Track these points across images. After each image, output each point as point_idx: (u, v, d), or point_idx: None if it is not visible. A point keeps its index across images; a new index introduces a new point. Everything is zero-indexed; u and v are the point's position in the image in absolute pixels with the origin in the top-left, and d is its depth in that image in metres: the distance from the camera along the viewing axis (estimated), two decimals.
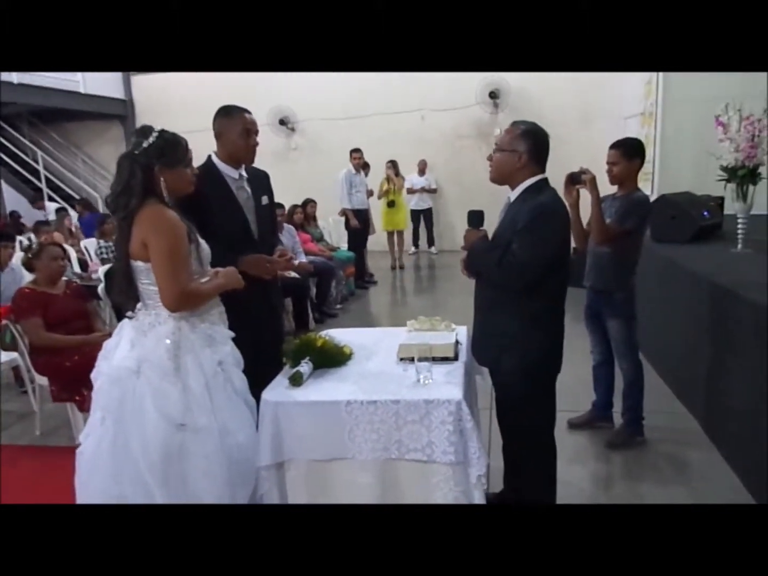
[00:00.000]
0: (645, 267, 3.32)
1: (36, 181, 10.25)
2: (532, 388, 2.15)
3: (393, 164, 8.27)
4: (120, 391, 1.93)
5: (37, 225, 6.86)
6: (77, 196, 10.19)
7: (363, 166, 7.39)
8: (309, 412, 2.00)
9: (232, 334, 2.11)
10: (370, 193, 7.60)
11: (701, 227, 4.18)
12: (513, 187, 2.14)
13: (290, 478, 2.05)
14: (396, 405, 1.94)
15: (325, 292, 5.97)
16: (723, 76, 4.10)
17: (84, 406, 3.11)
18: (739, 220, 3.67)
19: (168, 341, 1.93)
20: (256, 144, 2.45)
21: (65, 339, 3.37)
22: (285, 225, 5.66)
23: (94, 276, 5.36)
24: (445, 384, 2.04)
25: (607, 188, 3.07)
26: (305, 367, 2.15)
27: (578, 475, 2.87)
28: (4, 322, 3.59)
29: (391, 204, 8.32)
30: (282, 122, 9.93)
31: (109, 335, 2.14)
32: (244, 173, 2.48)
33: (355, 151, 7.22)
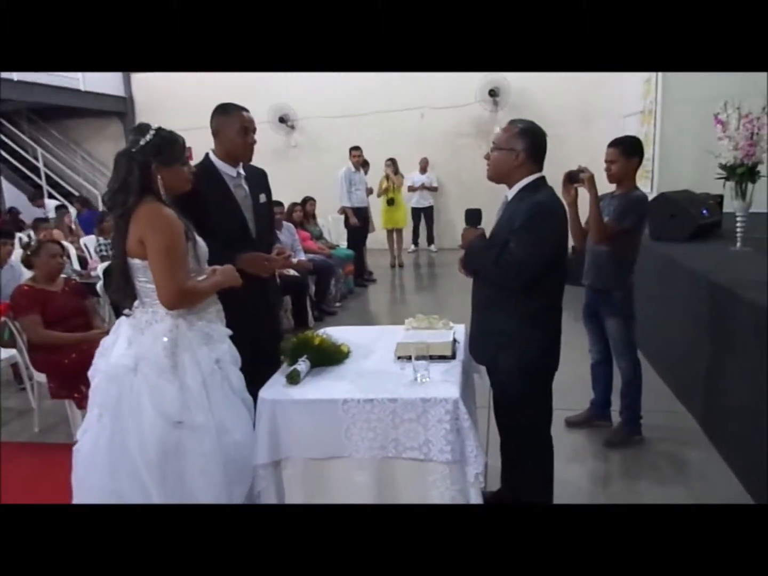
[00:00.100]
0: (644, 265, 3.32)
1: (36, 178, 10.26)
2: (529, 387, 2.15)
3: (392, 162, 8.26)
4: (117, 389, 1.93)
5: (36, 222, 6.86)
6: (77, 193, 10.19)
7: (362, 164, 7.38)
8: (306, 411, 2.00)
9: (229, 332, 2.11)
10: (369, 191, 7.59)
11: (700, 225, 4.17)
12: (510, 186, 2.14)
13: (287, 477, 2.05)
14: (393, 403, 1.94)
15: (324, 290, 5.97)
16: (722, 74, 4.08)
17: (82, 403, 3.10)
18: (738, 219, 3.66)
19: (165, 339, 1.93)
20: (254, 142, 2.44)
21: (63, 336, 3.37)
22: (284, 223, 5.66)
23: (93, 273, 5.36)
24: (443, 382, 2.04)
25: (606, 187, 3.07)
26: (302, 365, 2.15)
27: (576, 473, 2.87)
28: (2, 319, 3.59)
29: (390, 202, 8.31)
30: (282, 120, 9.92)
31: (108, 333, 2.14)
32: (241, 171, 2.47)
33: (355, 149, 7.21)
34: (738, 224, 3.68)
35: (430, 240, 9.58)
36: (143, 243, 1.90)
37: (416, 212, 9.35)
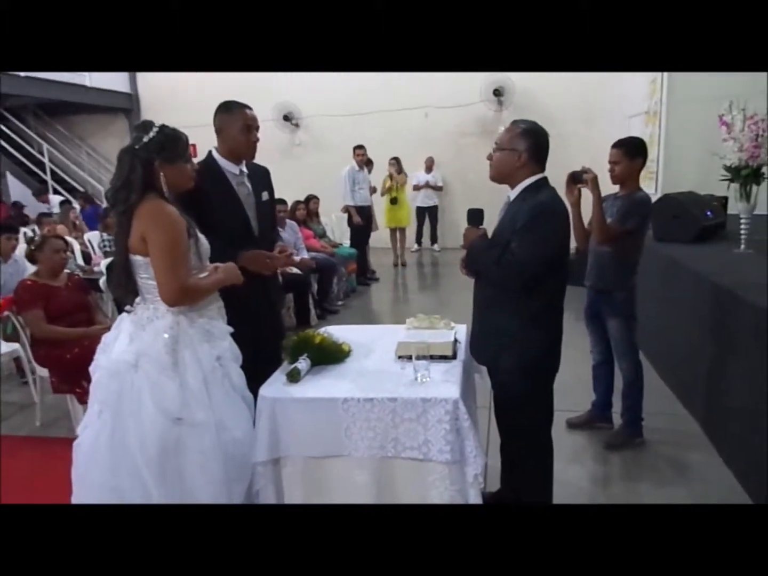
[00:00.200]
0: (647, 267, 3.31)
1: (41, 173, 10.29)
2: (530, 387, 2.15)
3: (396, 161, 8.26)
4: (118, 385, 1.93)
5: (40, 217, 6.88)
6: (82, 189, 10.23)
7: (366, 163, 7.38)
8: (306, 409, 2.00)
9: (230, 329, 2.11)
10: (373, 190, 7.59)
11: (704, 227, 4.16)
12: (513, 186, 2.14)
13: (286, 475, 2.05)
14: (393, 403, 1.94)
15: (326, 288, 5.98)
16: (728, 75, 4.06)
17: (84, 398, 3.11)
18: (742, 221, 3.65)
19: (166, 336, 1.93)
20: (257, 140, 2.44)
21: (66, 331, 3.38)
22: (287, 221, 5.66)
23: (96, 269, 5.38)
24: (443, 382, 2.04)
25: (609, 188, 3.06)
26: (303, 363, 2.15)
27: (577, 475, 2.87)
28: (6, 313, 3.61)
29: (393, 201, 8.31)
30: (286, 118, 9.93)
31: (109, 328, 2.15)
32: (244, 169, 2.47)
33: (359, 148, 7.21)
34: (742, 226, 3.66)
35: (434, 239, 9.58)
36: (145, 240, 1.90)
37: (421, 211, 9.35)
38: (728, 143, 3.45)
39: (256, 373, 2.16)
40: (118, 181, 1.94)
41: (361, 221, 7.17)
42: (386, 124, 9.33)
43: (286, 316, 5.09)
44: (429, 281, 8.23)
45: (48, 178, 10.22)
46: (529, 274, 2.02)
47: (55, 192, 9.92)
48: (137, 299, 2.03)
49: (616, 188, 3.07)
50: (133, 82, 10.74)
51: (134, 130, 1.99)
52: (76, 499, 2.01)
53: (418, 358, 2.06)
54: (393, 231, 8.53)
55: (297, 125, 10.05)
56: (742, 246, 3.70)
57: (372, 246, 7.81)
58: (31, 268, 3.76)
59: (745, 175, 3.43)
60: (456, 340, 2.36)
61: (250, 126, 2.39)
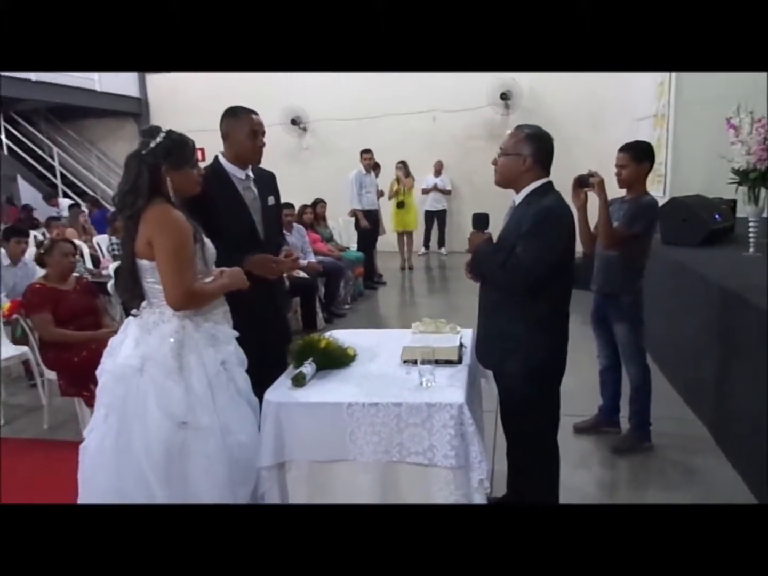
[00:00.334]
0: (655, 270, 3.30)
1: (51, 177, 10.38)
2: (536, 392, 2.14)
3: (403, 165, 8.27)
4: (124, 389, 1.94)
5: (49, 220, 6.93)
6: (91, 193, 10.30)
7: (373, 167, 7.39)
8: (311, 413, 2.00)
9: (235, 333, 2.11)
10: (380, 194, 7.60)
11: (712, 230, 4.13)
12: (518, 191, 2.14)
13: (291, 479, 2.06)
14: (398, 408, 1.94)
15: (333, 292, 5.99)
16: (736, 77, 4.04)
17: (91, 402, 3.11)
18: (751, 224, 3.62)
19: (172, 340, 1.94)
20: (263, 145, 2.45)
21: (74, 335, 3.41)
22: (295, 225, 5.68)
23: (104, 272, 5.42)
24: (448, 387, 2.04)
25: (616, 191, 3.05)
26: (308, 368, 2.15)
27: (583, 480, 2.85)
28: (15, 316, 3.64)
29: (400, 205, 8.32)
30: (294, 122, 9.96)
31: (117, 332, 2.16)
32: (250, 174, 2.48)
33: (366, 152, 7.22)
34: (750, 229, 3.64)
35: (441, 243, 9.57)
36: (151, 244, 1.91)
37: (429, 215, 9.35)
38: (736, 146, 3.43)
39: (261, 377, 2.16)
40: (125, 186, 1.95)
41: (369, 225, 7.18)
42: (393, 127, 9.34)
43: (293, 320, 5.10)
44: (436, 285, 8.23)
45: (58, 181, 10.32)
46: (534, 278, 2.02)
47: (65, 196, 10.01)
48: (144, 303, 2.04)
49: (622, 192, 3.06)
50: (143, 87, 10.82)
51: (141, 136, 2.01)
52: (82, 501, 2.02)
53: (423, 362, 2.06)
54: (400, 235, 8.54)
55: (304, 129, 10.08)
56: (751, 249, 3.67)
57: (379, 250, 7.81)
58: (40, 272, 3.79)
59: (753, 178, 3.41)
60: (462, 345, 2.35)
61: (257, 131, 2.40)
